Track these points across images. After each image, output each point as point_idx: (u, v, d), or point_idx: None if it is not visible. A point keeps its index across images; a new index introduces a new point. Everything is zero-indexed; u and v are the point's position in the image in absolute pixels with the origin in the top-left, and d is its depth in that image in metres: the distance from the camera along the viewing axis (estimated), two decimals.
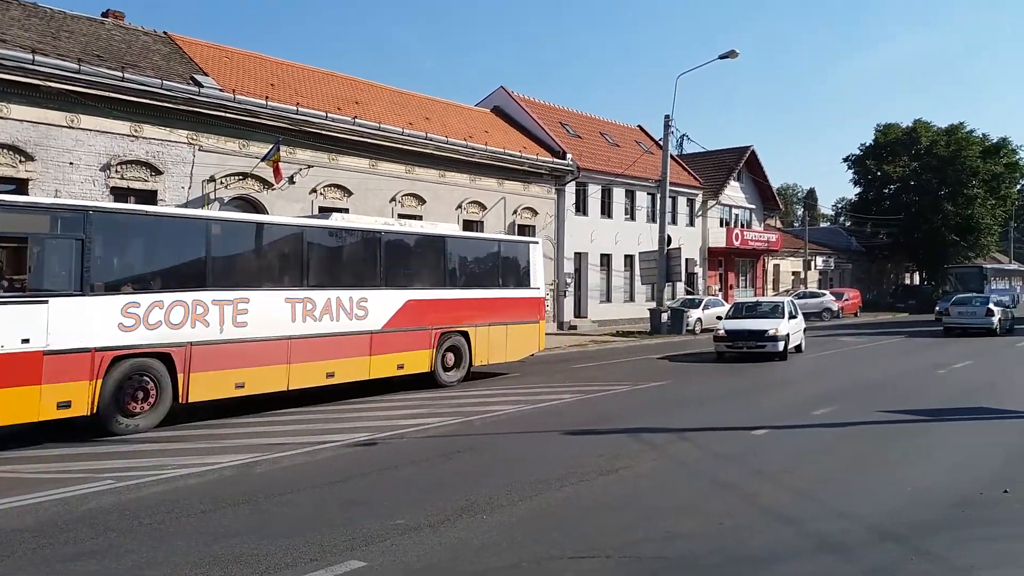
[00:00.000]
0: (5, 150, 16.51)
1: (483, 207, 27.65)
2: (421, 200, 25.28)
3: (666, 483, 7.43)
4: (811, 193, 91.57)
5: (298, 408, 12.46)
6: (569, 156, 31.15)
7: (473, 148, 26.83)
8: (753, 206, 45.74)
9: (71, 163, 17.46)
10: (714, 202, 41.27)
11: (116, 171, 18.20)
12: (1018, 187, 57.01)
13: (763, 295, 44.57)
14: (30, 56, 16.59)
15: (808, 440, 9.50)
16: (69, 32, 19.35)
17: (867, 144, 57.33)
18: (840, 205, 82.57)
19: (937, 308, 36.99)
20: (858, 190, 59.06)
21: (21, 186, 16.81)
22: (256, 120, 20.63)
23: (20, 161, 16.73)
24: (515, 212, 28.98)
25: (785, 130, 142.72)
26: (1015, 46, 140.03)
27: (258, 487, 7.48)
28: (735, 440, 9.48)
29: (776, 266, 49.37)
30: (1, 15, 18.25)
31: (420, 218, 24.69)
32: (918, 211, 52.94)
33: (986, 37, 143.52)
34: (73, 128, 17.53)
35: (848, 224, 64.76)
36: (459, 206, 26.70)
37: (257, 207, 21.02)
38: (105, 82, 17.74)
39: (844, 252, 56.87)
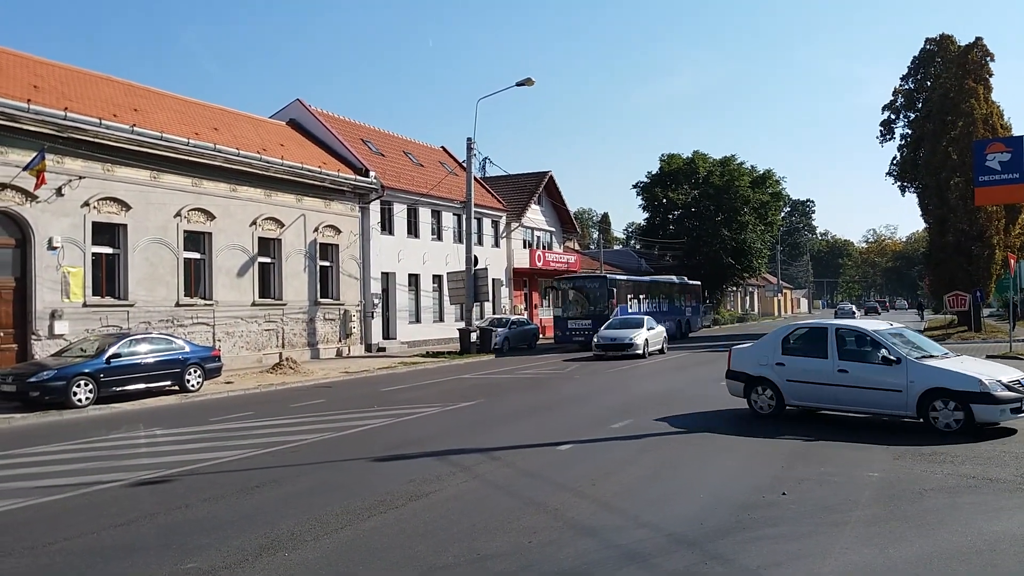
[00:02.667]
0: None
1: (281, 224, 26.51)
2: (210, 216, 23.76)
3: (476, 504, 7.35)
4: (605, 217, 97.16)
5: (71, 444, 11.16)
6: (372, 173, 30.73)
7: (268, 162, 25.69)
8: (553, 229, 47.64)
9: None
10: (517, 224, 42.49)
11: None
12: (782, 214, 63.50)
13: None
14: None
15: (609, 453, 9.84)
16: None
17: (653, 172, 61.70)
18: (630, 229, 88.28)
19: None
20: (646, 215, 63.30)
21: None
22: (16, 125, 18.46)
23: None
24: (316, 230, 28.07)
25: (581, 156, 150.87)
26: (772, 83, 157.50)
27: (23, 535, 6.49)
28: (542, 456, 9.63)
29: None
30: None
31: (209, 235, 23.25)
32: (699, 235, 57.65)
33: (750, 74, 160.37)
34: None
35: (638, 247, 69.19)
36: (254, 222, 25.40)
37: (18, 222, 18.74)
38: None
39: (635, 273, 60.67)
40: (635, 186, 62.30)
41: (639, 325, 27.96)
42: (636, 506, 7.20)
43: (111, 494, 8.16)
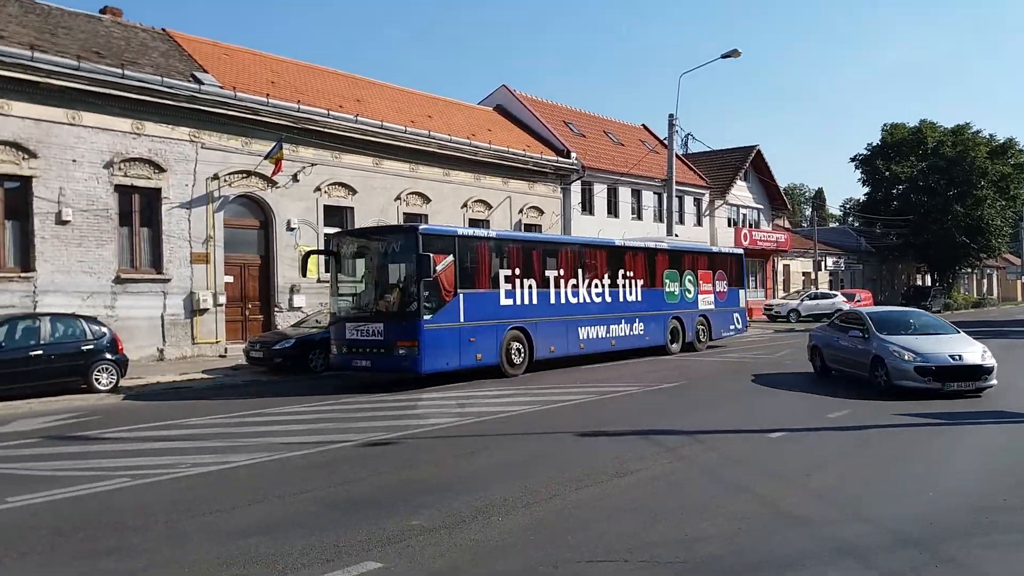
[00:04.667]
0: (8, 147, 16.46)
1: (488, 206, 27.56)
2: (426, 199, 25.20)
3: (681, 485, 7.32)
4: (819, 193, 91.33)
5: (309, 406, 12.45)
6: (574, 155, 31.05)
7: (476, 146, 26.74)
8: (761, 206, 45.64)
9: (74, 160, 17.40)
10: (721, 202, 41.17)
11: (119, 168, 18.14)
12: None
13: (773, 296, 44.45)
14: (29, 52, 16.55)
15: (825, 443, 9.38)
16: (67, 29, 19.28)
17: (874, 144, 57.19)
18: (848, 205, 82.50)
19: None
20: (866, 190, 58.95)
21: (25, 183, 16.75)
22: (258, 118, 20.55)
23: (23, 158, 16.68)
24: (521, 211, 28.89)
25: (790, 130, 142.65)
26: (1017, 46, 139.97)
27: (272, 486, 7.38)
28: (750, 443, 9.38)
29: (786, 266, 49.29)
30: (0, 12, 18.17)
31: (425, 217, 24.63)
32: (927, 212, 52.82)
33: (988, 38, 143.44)
34: (75, 125, 17.49)
35: (857, 225, 64.60)
36: (464, 204, 26.62)
37: (262, 205, 20.95)
38: (105, 79, 17.70)
39: (854, 253, 56.72)
40: (853, 159, 58.07)
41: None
42: (854, 500, 6.83)
43: (345, 453, 9.01)
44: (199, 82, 19.68)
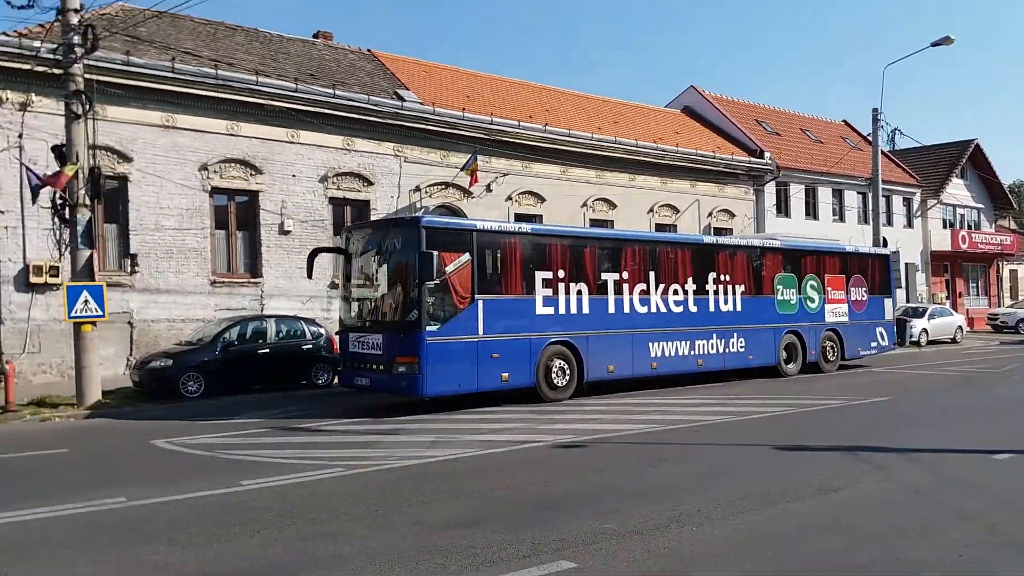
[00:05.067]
0: (238, 164, 18.36)
1: (676, 210, 27.13)
2: (612, 204, 25.24)
3: (892, 506, 6.82)
4: None
5: (506, 408, 12.97)
6: (767, 154, 29.83)
7: (663, 150, 26.41)
8: (981, 206, 41.45)
9: (293, 175, 19.10)
10: (935, 201, 37.83)
11: (333, 182, 19.69)
12: None
13: (998, 304, 40.23)
14: (254, 77, 18.36)
15: None
16: (286, 54, 21.20)
17: None
18: None
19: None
20: None
21: (252, 197, 18.63)
22: (454, 131, 21.53)
23: (251, 174, 18.54)
24: (710, 215, 28.17)
25: (1014, 122, 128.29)
26: None
27: (469, 482, 7.74)
28: (972, 464, 8.57)
29: (1012, 272, 44.41)
30: (228, 41, 20.34)
31: (611, 223, 24.64)
32: None
33: None
34: (294, 143, 19.18)
35: None
36: (651, 209, 26.37)
37: (458, 214, 21.94)
38: (319, 99, 19.28)
39: None
40: None
41: None
42: None
43: (536, 453, 9.26)
44: (401, 99, 20.97)
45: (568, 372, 13.97)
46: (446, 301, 12.55)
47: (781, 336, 17.89)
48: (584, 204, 24.53)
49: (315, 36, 23.77)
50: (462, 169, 21.06)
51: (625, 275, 15.13)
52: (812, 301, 18.70)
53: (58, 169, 13.23)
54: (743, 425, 11.31)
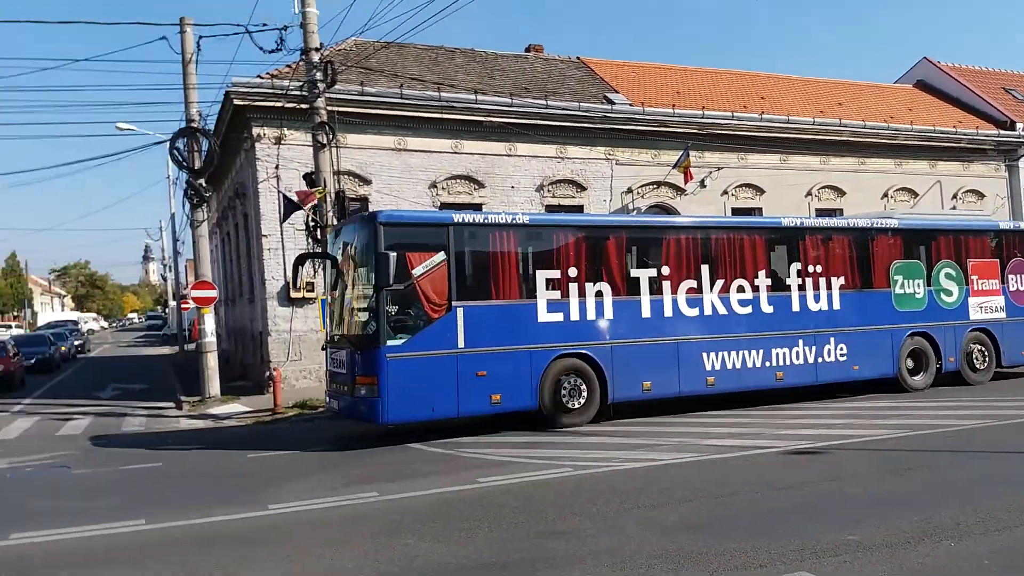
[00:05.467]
0: (462, 180, 19.43)
1: (914, 194, 24.93)
2: (839, 192, 23.72)
3: None
4: None
5: (734, 412, 12.68)
6: (1020, 125, 26.50)
7: (896, 130, 24.35)
8: None
9: (512, 187, 19.87)
10: None
11: (548, 190, 20.24)
12: None
13: None
14: (474, 96, 19.32)
15: None
16: (501, 70, 22.09)
17: None
18: None
19: None
20: None
21: (476, 209, 19.65)
22: (665, 129, 21.29)
23: (475, 188, 19.54)
24: (955, 196, 25.56)
25: None
26: None
27: (698, 486, 7.70)
28: None
29: None
30: (449, 64, 21.57)
31: (839, 212, 23.13)
32: None
33: None
34: (511, 155, 19.94)
35: None
36: (884, 195, 24.43)
37: (671, 213, 21.68)
38: (533, 111, 19.90)
39: None
40: None
41: None
42: None
43: (768, 458, 9.02)
44: (611, 102, 21.12)
45: (585, 391, 11.69)
46: (415, 310, 10.82)
47: (903, 340, 14.21)
48: (808, 193, 23.22)
49: (527, 50, 24.58)
50: (674, 167, 20.80)
51: (666, 271, 12.52)
52: (948, 294, 14.88)
53: (305, 189, 14.77)
54: (997, 432, 10.21)
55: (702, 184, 21.85)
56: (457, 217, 11.45)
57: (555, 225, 12.57)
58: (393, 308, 10.65)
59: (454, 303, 10.90)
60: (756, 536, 5.93)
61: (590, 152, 20.82)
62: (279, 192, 16.63)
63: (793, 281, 13.50)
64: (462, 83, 20.11)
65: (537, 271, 11.69)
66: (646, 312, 12.29)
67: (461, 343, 10.93)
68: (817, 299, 13.61)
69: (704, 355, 12.60)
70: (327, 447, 11.19)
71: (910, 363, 14.38)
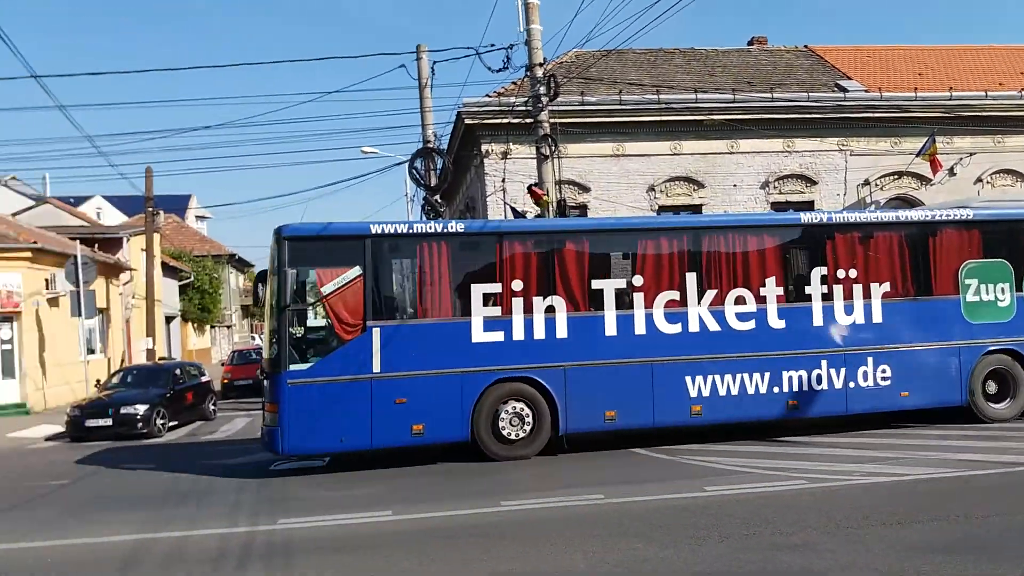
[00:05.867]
0: (682, 182, 19.24)
1: None
2: None
3: None
4: None
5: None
6: None
7: None
8: None
9: (734, 185, 19.34)
10: None
11: (774, 187, 19.47)
12: None
13: None
14: (693, 96, 19.03)
15: None
16: (722, 66, 21.54)
17: None
18: None
19: None
20: None
21: (695, 211, 19.35)
22: (906, 115, 19.66)
23: (694, 189, 19.27)
24: None
25: None
26: None
27: (952, 504, 7.12)
28: None
29: None
30: (668, 66, 21.39)
31: None
32: None
33: None
34: (733, 153, 19.42)
35: None
36: None
37: (915, 205, 19.96)
38: (757, 105, 19.21)
39: None
40: None
41: None
42: None
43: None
44: (843, 90, 19.88)
45: (531, 420, 10.40)
46: (323, 331, 10.17)
47: (978, 359, 11.63)
48: None
49: (749, 43, 23.81)
50: (918, 154, 19.08)
51: (639, 281, 10.87)
52: None
53: (537, 190, 15.35)
54: None
55: (951, 172, 19.90)
56: (376, 228, 10.31)
57: (497, 233, 10.95)
58: (299, 330, 10.21)
59: (369, 323, 9.98)
60: (1017, 560, 5.40)
61: (820, 144, 19.72)
62: (506, 204, 17.45)
63: (815, 289, 11.28)
64: (681, 83, 19.90)
65: (473, 285, 10.42)
66: (610, 329, 10.69)
67: (376, 367, 9.98)
68: (849, 310, 11.32)
69: (688, 379, 10.83)
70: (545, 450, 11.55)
71: (992, 387, 11.74)
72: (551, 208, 15.18)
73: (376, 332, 9.98)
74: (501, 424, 10.30)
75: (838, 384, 11.20)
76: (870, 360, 11.29)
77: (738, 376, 10.93)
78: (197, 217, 54.55)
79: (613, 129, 18.87)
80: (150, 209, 23.77)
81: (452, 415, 10.16)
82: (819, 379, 11.16)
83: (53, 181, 41.01)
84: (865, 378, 11.27)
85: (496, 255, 10.53)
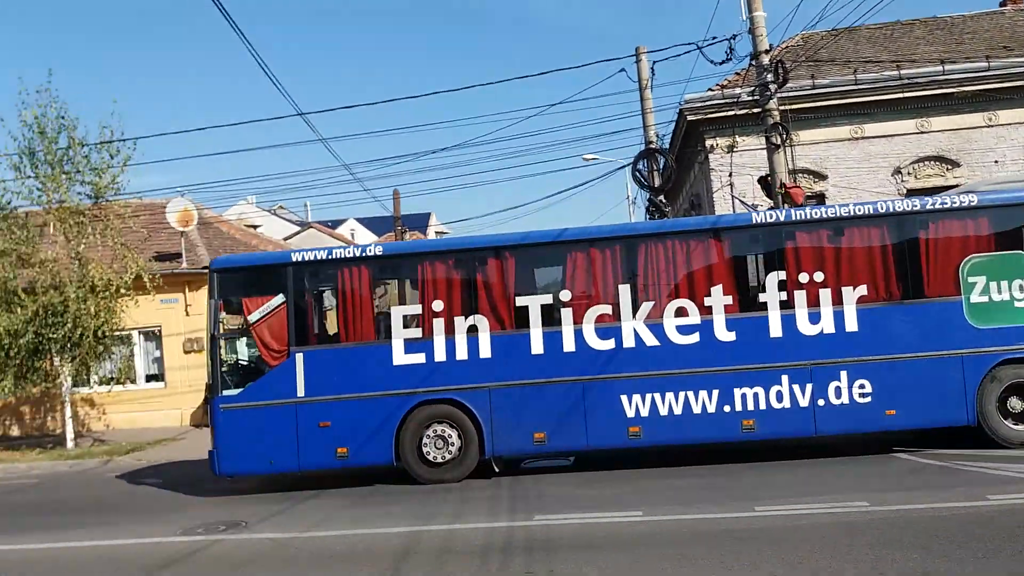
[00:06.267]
0: (933, 162, 17.62)
1: None
2: None
3: None
4: None
5: None
6: None
7: None
8: None
9: (996, 161, 17.41)
10: None
11: None
12: None
13: None
14: (940, 68, 17.36)
15: None
16: (971, 33, 19.47)
17: None
18: None
19: None
20: None
21: (950, 190, 17.62)
22: None
23: (947, 169, 17.59)
24: None
25: None
26: None
27: None
28: None
29: None
30: (907, 38, 19.66)
31: None
32: None
33: None
34: (992, 126, 17.56)
35: None
36: None
37: None
38: (1017, 71, 17.18)
39: None
40: None
41: None
42: None
43: None
44: None
45: (456, 442, 10.15)
46: (251, 357, 10.68)
47: (986, 371, 9.79)
48: None
49: (1001, 4, 21.31)
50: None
51: (566, 296, 10.27)
52: None
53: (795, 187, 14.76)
54: None
55: None
56: (296, 256, 10.67)
57: (415, 254, 11.09)
58: (231, 357, 10.93)
59: (293, 349, 10.24)
60: None
61: None
62: (734, 199, 16.97)
63: (772, 297, 10.06)
64: (923, 56, 18.22)
65: (393, 308, 10.58)
66: (537, 347, 10.18)
67: (301, 391, 10.21)
68: (815, 319, 9.98)
69: (624, 398, 10.06)
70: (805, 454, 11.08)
71: (1017, 403, 9.83)
72: (783, 199, 14.54)
73: (300, 357, 10.27)
74: (425, 447, 10.21)
75: (803, 402, 9.99)
76: (843, 374, 9.96)
77: (681, 394, 10.07)
78: (437, 233, 58.54)
79: (850, 111, 17.69)
80: (399, 227, 25.83)
81: (375, 438, 10.21)
82: (779, 396, 10.01)
83: (313, 208, 45.75)
84: (838, 394, 9.96)
85: (417, 275, 10.56)
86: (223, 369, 10.60)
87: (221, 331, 10.61)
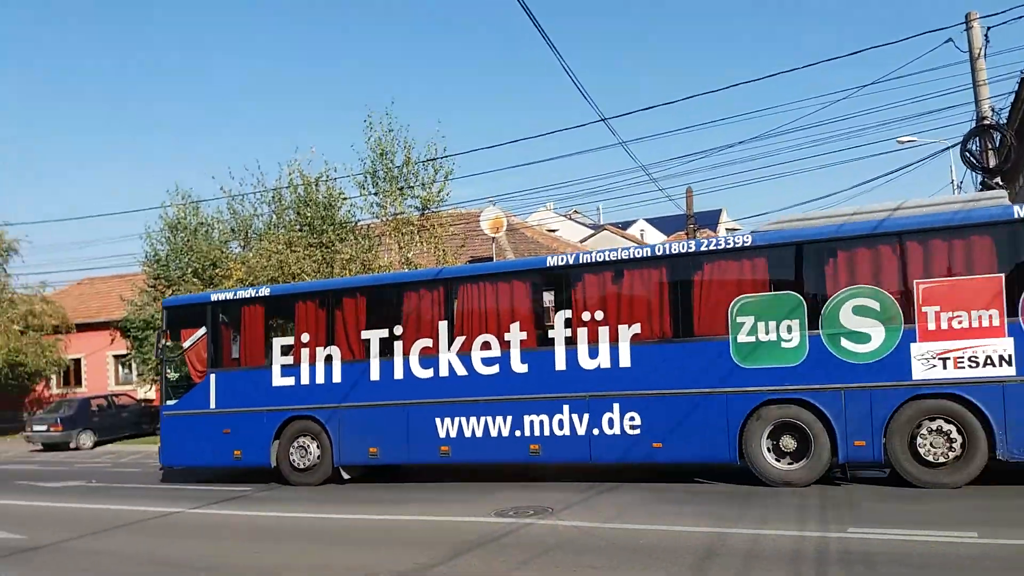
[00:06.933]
0: None
1: None
2: None
3: None
4: None
5: None
6: None
7: None
8: None
9: None
10: None
11: None
12: None
13: None
14: None
15: None
16: None
17: None
18: None
19: None
20: None
21: None
22: None
23: None
24: None
25: None
26: None
27: None
28: None
29: None
30: None
31: None
32: None
33: None
34: None
35: None
36: None
37: None
38: None
39: None
40: None
41: None
42: None
43: None
44: None
45: (316, 452, 12.29)
46: (184, 376, 13.39)
47: (750, 410, 9.82)
48: None
49: None
50: None
51: (399, 330, 11.80)
52: (860, 340, 9.43)
53: None
54: None
55: None
56: (215, 296, 13.46)
57: (290, 295, 13.09)
58: (174, 375, 13.58)
59: (209, 370, 12.88)
60: None
61: None
62: None
63: (559, 333, 10.94)
64: None
65: (274, 339, 12.70)
66: (374, 374, 11.87)
67: (212, 404, 12.81)
68: (594, 354, 10.70)
69: (437, 421, 11.49)
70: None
71: (789, 443, 9.73)
72: None
73: (213, 377, 12.91)
74: (292, 455, 12.39)
75: (581, 431, 10.73)
76: (616, 407, 10.55)
77: (482, 419, 11.23)
78: (727, 230, 57.18)
79: None
80: (691, 225, 25.47)
81: (261, 444, 12.51)
82: (560, 424, 10.83)
83: (604, 211, 46.99)
84: (611, 425, 10.57)
85: (293, 312, 12.69)
86: (168, 384, 13.68)
87: (166, 355, 13.60)
